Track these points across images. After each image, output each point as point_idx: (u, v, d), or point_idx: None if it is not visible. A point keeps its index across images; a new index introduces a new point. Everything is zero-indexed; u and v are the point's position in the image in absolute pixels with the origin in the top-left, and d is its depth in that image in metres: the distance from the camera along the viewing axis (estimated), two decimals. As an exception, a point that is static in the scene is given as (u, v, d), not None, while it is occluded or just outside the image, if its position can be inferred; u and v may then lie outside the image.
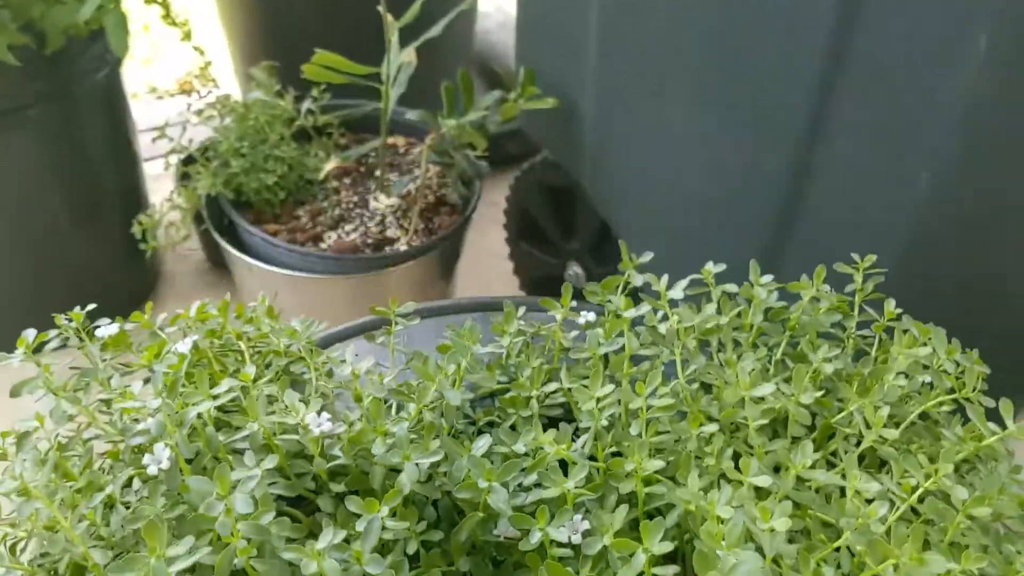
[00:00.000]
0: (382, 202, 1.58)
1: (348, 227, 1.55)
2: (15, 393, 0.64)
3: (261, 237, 1.46)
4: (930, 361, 0.61)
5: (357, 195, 1.62)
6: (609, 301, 0.71)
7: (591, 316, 0.71)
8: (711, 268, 0.72)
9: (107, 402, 0.63)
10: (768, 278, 0.68)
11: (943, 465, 0.51)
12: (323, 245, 1.51)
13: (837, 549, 0.51)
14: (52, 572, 0.55)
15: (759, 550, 0.48)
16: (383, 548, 0.53)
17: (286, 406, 0.57)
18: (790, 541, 0.53)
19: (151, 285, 1.93)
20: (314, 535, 0.52)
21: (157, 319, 0.69)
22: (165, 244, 1.59)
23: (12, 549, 0.57)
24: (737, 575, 0.46)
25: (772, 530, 0.48)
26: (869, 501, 0.52)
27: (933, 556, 0.45)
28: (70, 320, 0.67)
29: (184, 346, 0.64)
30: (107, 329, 0.66)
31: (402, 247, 1.52)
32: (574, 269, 1.66)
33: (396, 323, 0.68)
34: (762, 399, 0.57)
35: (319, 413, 0.55)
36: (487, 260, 2.03)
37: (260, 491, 0.50)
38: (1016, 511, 0.54)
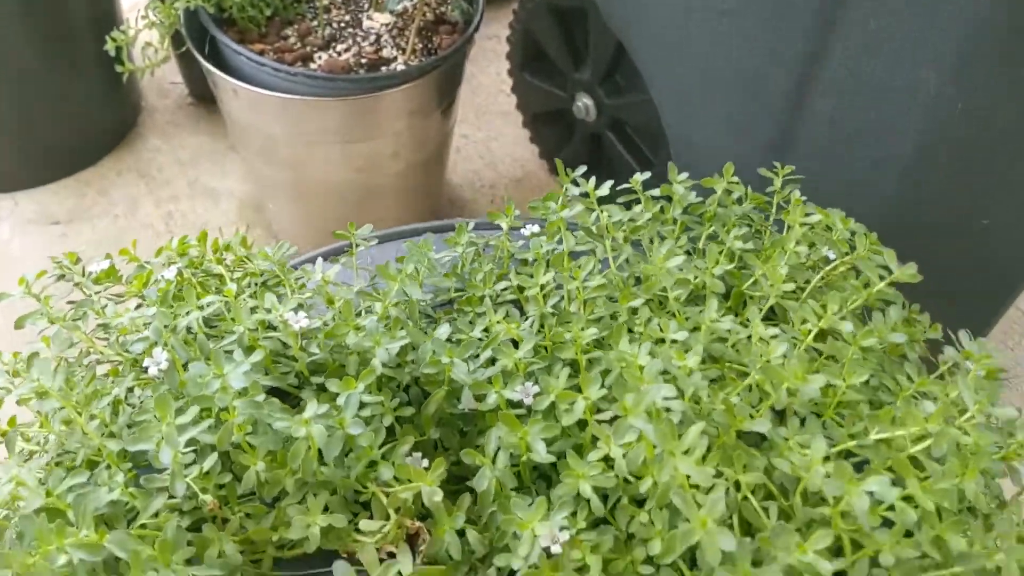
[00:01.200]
0: (376, 20, 1.50)
1: (340, 47, 1.46)
2: (19, 324, 0.71)
3: (247, 56, 1.36)
4: (822, 230, 0.70)
5: (349, 13, 1.53)
6: (551, 213, 0.79)
7: (535, 228, 0.79)
8: (639, 177, 0.80)
9: (104, 326, 0.70)
10: (684, 175, 0.77)
11: (832, 306, 0.60)
12: (313, 66, 1.42)
13: (749, 388, 0.60)
14: (70, 467, 0.63)
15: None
16: (365, 422, 0.61)
17: (267, 309, 0.65)
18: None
19: (132, 120, 1.94)
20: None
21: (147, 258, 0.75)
22: (143, 67, 1.48)
23: (31, 454, 0.64)
24: (650, 397, 0.54)
25: (688, 369, 0.57)
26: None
27: (816, 375, 0.54)
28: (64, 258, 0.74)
29: (170, 273, 0.71)
30: (99, 265, 0.73)
31: (399, 67, 1.42)
32: (583, 101, 1.60)
33: (357, 245, 0.76)
34: (680, 269, 0.66)
35: (296, 311, 0.63)
36: (488, 96, 2.02)
37: (249, 379, 0.57)
38: (907, 342, 0.63)
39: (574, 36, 1.56)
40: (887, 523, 0.51)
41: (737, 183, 0.77)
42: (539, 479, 0.61)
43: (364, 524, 0.57)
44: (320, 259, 0.76)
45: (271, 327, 0.66)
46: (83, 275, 0.75)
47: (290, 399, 0.67)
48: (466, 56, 1.52)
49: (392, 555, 0.58)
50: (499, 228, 0.79)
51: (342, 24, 1.51)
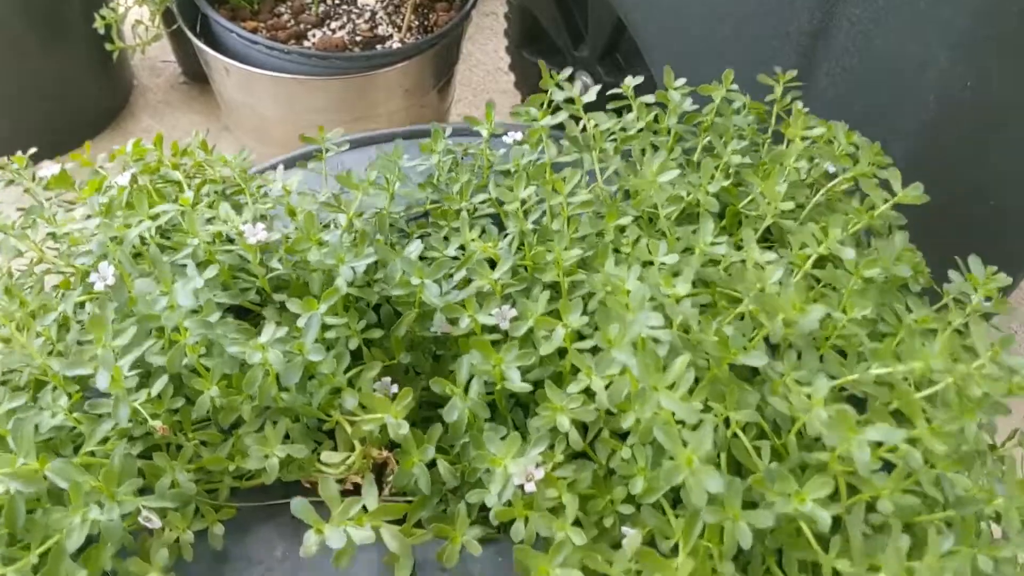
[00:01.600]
0: (371, -3, 1.43)
1: (334, 24, 1.42)
2: (-39, 232, 0.66)
3: (239, 34, 1.33)
4: (824, 144, 0.65)
5: (344, -10, 1.48)
6: (533, 119, 0.73)
7: (518, 135, 0.74)
8: (630, 81, 0.74)
9: (53, 235, 0.65)
10: (681, 81, 0.71)
11: (832, 230, 0.56)
12: (307, 44, 1.39)
13: (742, 317, 0.56)
14: (15, 388, 0.59)
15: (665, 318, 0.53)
16: (327, 347, 0.57)
17: (224, 220, 0.60)
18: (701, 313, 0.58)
19: (125, 99, 1.91)
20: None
21: (98, 157, 0.70)
22: (134, 45, 1.45)
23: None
24: (636, 327, 0.50)
25: (676, 297, 0.52)
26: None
27: (814, 306, 0.50)
28: (12, 162, 0.68)
29: (123, 179, 0.66)
30: (49, 169, 0.67)
31: (395, 45, 1.40)
32: (582, 79, 1.55)
33: (327, 150, 0.70)
34: (672, 185, 0.61)
35: (254, 223, 0.58)
36: (485, 74, 1.98)
37: (204, 296, 0.53)
38: (910, 273, 0.59)
39: (573, 13, 1.50)
40: (886, 465, 0.48)
41: (736, 91, 0.71)
42: (515, 407, 0.58)
43: (326, 456, 0.53)
44: (281, 166, 0.70)
45: (229, 239, 0.61)
46: (33, 180, 0.70)
47: (252, 318, 0.63)
48: (463, 34, 1.48)
49: (357, 487, 0.55)
50: (478, 135, 0.73)
51: (336, 1, 1.48)
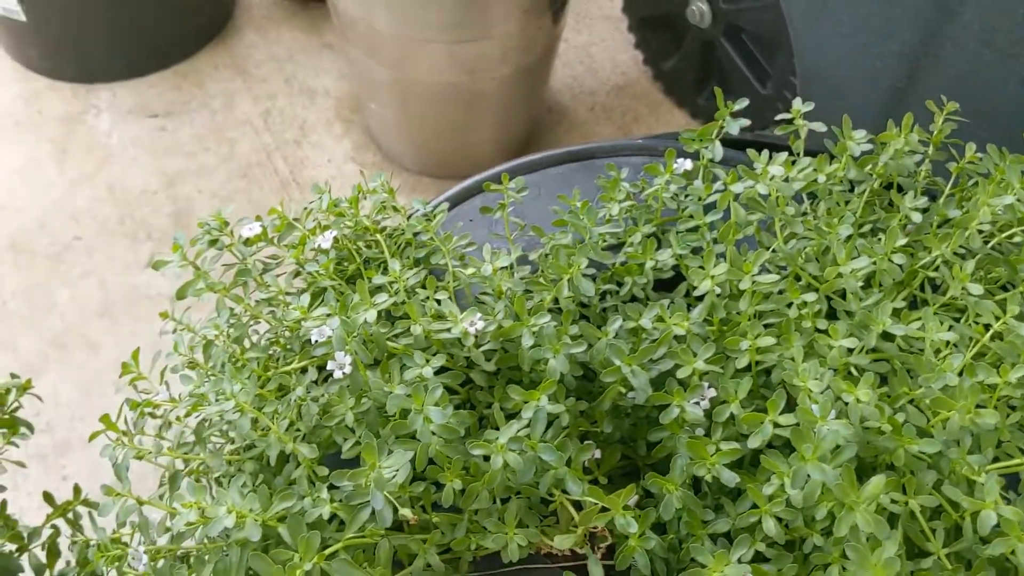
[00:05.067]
0: None
1: None
2: (180, 295, 0.71)
3: None
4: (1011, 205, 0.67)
5: None
6: (705, 148, 0.76)
7: (687, 164, 0.76)
8: (799, 106, 0.76)
9: (267, 300, 0.71)
10: (861, 133, 0.72)
11: (1011, 307, 0.59)
12: None
13: (913, 401, 0.61)
14: (260, 459, 0.66)
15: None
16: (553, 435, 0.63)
17: (438, 302, 0.65)
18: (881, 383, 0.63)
19: (229, 14, 1.96)
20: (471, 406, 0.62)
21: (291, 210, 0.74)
22: None
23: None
24: (826, 444, 0.55)
25: (857, 400, 0.57)
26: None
27: (988, 411, 0.55)
28: (213, 220, 0.72)
29: (326, 241, 0.70)
30: (251, 228, 0.72)
31: None
32: (697, 5, 1.56)
33: (510, 200, 0.74)
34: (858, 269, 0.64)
35: (471, 316, 0.63)
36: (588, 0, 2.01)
37: (447, 416, 0.58)
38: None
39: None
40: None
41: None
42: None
43: (558, 540, 0.60)
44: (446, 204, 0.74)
45: (440, 316, 0.66)
46: (233, 237, 0.74)
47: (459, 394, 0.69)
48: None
49: (575, 553, 0.63)
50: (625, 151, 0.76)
51: None
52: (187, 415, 0.64)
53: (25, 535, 0.78)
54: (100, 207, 1.77)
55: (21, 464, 0.78)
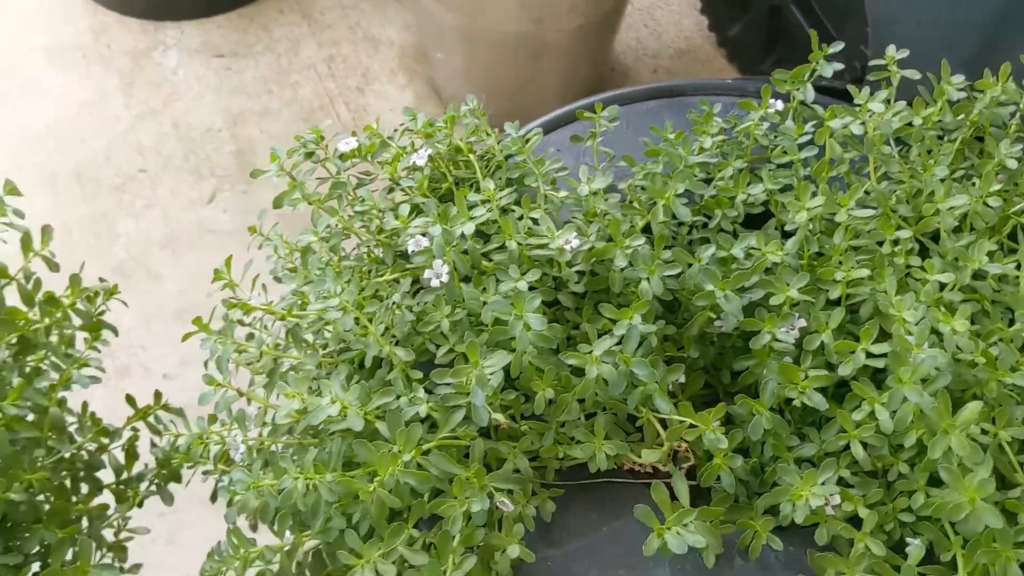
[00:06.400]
0: None
1: None
2: (277, 204, 0.73)
3: None
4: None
5: None
6: (797, 90, 0.76)
7: (779, 105, 0.76)
8: (892, 52, 0.76)
9: (361, 213, 0.72)
10: (959, 78, 0.72)
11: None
12: None
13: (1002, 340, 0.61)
14: (353, 361, 0.68)
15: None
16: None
17: (534, 220, 0.66)
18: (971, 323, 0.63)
19: None
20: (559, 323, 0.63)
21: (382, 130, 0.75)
22: None
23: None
24: (923, 369, 0.56)
25: (953, 330, 0.58)
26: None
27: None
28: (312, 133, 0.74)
29: (420, 159, 0.71)
30: (347, 143, 0.73)
31: None
32: None
33: (601, 127, 0.74)
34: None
35: (568, 233, 0.64)
36: None
37: (544, 324, 0.60)
38: None
39: None
40: None
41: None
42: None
43: (645, 455, 0.61)
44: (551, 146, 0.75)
45: (534, 234, 0.67)
46: (327, 152, 0.75)
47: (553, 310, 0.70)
48: None
49: (656, 471, 0.64)
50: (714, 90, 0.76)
51: None
52: (287, 315, 0.66)
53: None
54: (165, 142, 1.79)
55: (100, 371, 0.79)
